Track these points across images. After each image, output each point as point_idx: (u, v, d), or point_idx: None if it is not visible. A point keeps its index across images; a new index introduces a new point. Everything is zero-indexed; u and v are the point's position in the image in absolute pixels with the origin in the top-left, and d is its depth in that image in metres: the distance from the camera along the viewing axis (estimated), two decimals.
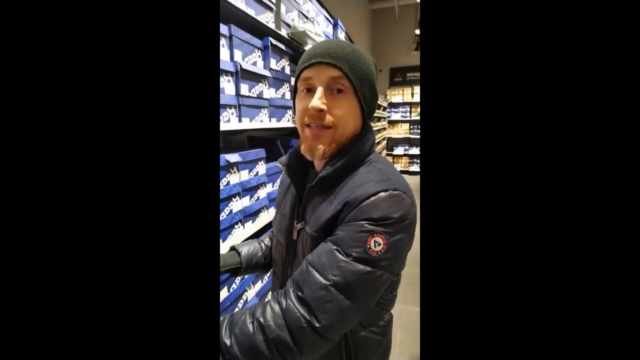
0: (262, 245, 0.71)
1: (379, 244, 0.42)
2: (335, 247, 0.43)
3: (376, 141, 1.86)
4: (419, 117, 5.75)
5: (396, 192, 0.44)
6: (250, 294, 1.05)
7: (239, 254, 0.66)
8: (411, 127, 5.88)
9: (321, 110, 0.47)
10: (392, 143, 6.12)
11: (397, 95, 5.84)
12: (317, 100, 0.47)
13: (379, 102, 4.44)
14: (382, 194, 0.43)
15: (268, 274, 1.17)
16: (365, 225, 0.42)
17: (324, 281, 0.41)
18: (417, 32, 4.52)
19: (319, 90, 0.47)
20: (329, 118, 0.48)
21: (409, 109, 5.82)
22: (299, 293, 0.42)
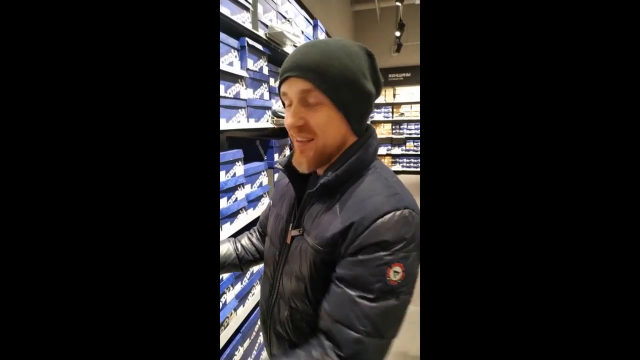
0: (238, 245, 0.70)
1: (398, 273, 0.42)
2: (356, 294, 0.42)
3: None
4: (401, 118, 5.86)
5: (407, 210, 0.43)
6: (230, 295, 1.04)
7: None
8: (393, 127, 5.98)
9: (299, 126, 0.47)
10: None
11: (380, 96, 5.91)
12: (291, 118, 0.46)
13: None
14: (396, 213, 0.42)
15: (248, 275, 1.16)
16: (383, 257, 0.42)
17: (356, 335, 0.42)
18: (397, 34, 4.60)
19: (293, 106, 0.47)
20: (309, 130, 0.47)
21: (391, 110, 5.92)
22: (340, 353, 0.42)
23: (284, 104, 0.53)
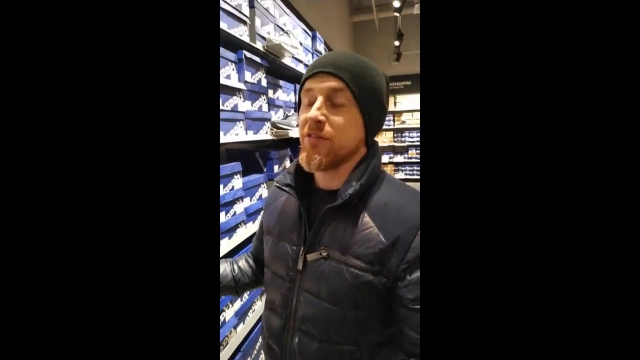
0: (235, 267, 0.66)
1: None
2: None
3: None
4: (402, 125, 5.86)
5: None
6: (229, 313, 1.00)
7: None
8: (395, 135, 5.97)
9: (319, 121, 0.45)
10: None
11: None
12: (316, 111, 0.45)
13: None
14: None
15: (248, 293, 1.13)
16: None
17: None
18: (397, 43, 4.64)
19: (319, 100, 0.46)
20: (327, 129, 0.46)
21: (392, 118, 5.92)
22: None
23: (299, 104, 0.52)
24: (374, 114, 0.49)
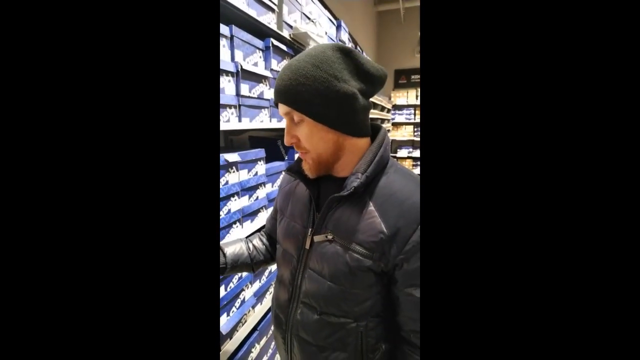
0: (250, 245, 0.71)
1: None
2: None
3: None
4: None
5: None
6: (248, 293, 1.05)
7: (224, 254, 0.66)
8: (415, 129, 5.84)
9: (293, 143, 0.51)
10: (396, 145, 6.10)
11: (401, 97, 5.81)
12: (285, 137, 0.52)
13: (382, 104, 4.27)
14: None
15: (267, 274, 1.17)
16: None
17: None
18: None
19: (286, 125, 0.51)
20: (302, 145, 0.51)
21: (413, 111, 5.79)
22: None
23: None
24: (330, 111, 0.47)
